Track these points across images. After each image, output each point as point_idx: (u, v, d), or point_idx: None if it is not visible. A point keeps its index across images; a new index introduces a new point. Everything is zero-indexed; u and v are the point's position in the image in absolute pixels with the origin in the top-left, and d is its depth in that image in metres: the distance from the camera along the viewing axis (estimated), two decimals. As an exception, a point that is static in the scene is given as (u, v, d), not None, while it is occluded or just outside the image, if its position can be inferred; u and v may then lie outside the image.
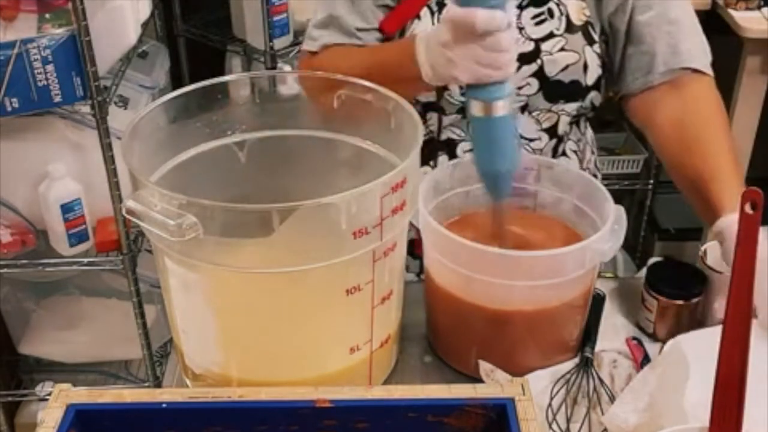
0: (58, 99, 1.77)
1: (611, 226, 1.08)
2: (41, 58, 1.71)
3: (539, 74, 1.27)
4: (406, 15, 1.28)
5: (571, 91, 1.29)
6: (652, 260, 1.26)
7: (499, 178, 1.12)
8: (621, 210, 1.11)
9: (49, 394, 0.88)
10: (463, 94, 1.26)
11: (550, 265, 1.05)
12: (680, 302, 1.17)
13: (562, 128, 1.33)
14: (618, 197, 1.15)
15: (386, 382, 1.13)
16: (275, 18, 2.26)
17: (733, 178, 1.15)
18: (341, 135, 1.16)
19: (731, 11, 2.23)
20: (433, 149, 1.35)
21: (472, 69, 1.05)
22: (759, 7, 2.24)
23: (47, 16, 1.80)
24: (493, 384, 1.01)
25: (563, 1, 1.26)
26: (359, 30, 1.30)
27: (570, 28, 1.26)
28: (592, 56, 1.28)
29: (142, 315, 2.05)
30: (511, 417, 0.85)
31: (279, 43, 2.31)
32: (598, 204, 1.14)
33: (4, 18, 1.79)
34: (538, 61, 1.26)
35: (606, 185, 1.16)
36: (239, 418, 0.87)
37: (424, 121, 1.34)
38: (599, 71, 1.29)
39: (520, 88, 1.27)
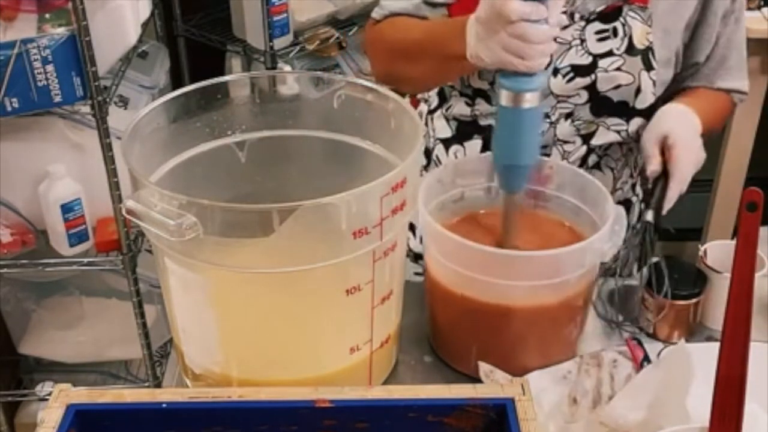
0: (58, 99, 1.77)
1: (611, 226, 1.08)
2: (41, 58, 1.71)
3: (591, 88, 1.27)
4: (474, 4, 1.27)
5: (618, 109, 1.29)
6: (652, 260, 1.26)
7: (515, 172, 1.10)
8: (621, 210, 1.11)
9: (49, 394, 0.88)
10: (492, 83, 1.27)
11: (550, 265, 1.05)
12: (680, 302, 1.17)
13: (597, 138, 1.32)
14: (618, 197, 1.15)
15: (386, 382, 1.13)
16: (275, 18, 2.26)
17: (697, 103, 1.31)
18: (341, 135, 1.16)
19: (731, 11, 2.23)
20: (470, 131, 1.36)
21: (496, 52, 1.05)
22: (759, 7, 2.24)
23: (47, 16, 1.79)
24: (493, 384, 1.01)
25: (629, 23, 1.25)
26: (426, 3, 1.30)
27: (630, 50, 1.26)
28: (647, 82, 1.27)
29: (142, 315, 2.04)
30: (511, 417, 0.85)
31: (279, 43, 2.31)
32: (598, 204, 1.14)
33: (4, 18, 1.79)
34: (592, 76, 1.26)
35: (606, 185, 1.16)
36: (239, 418, 0.87)
37: (472, 104, 1.34)
38: (652, 99, 1.29)
39: (569, 96, 1.27)
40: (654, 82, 1.28)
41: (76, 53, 1.73)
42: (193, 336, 1.07)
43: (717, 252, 1.20)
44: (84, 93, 1.78)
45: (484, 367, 1.07)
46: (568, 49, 1.25)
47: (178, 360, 1.13)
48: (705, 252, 1.20)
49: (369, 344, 1.06)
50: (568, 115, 1.29)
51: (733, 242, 0.86)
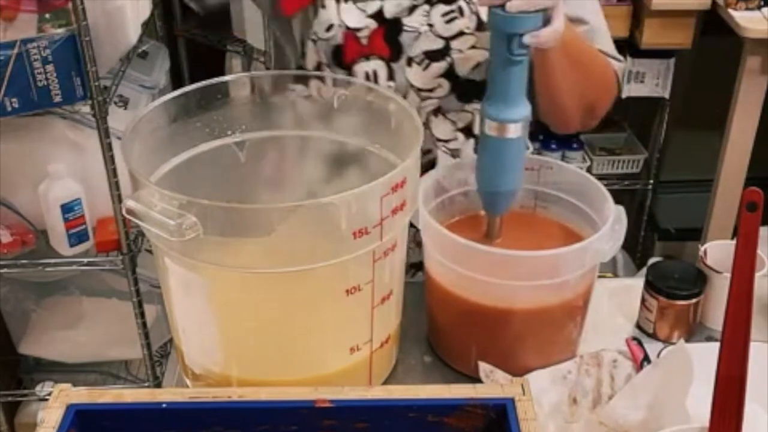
0: (58, 99, 1.77)
1: (611, 226, 1.08)
2: (41, 58, 1.71)
3: (450, 74, 1.24)
4: None
5: (484, 89, 1.25)
6: (652, 260, 1.26)
7: (499, 198, 1.12)
8: (621, 210, 1.11)
9: (49, 394, 0.88)
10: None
11: (550, 265, 1.05)
12: (680, 302, 1.17)
13: (477, 127, 1.29)
14: (618, 197, 1.15)
15: (386, 382, 1.13)
16: (275, 18, 2.25)
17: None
18: (341, 135, 1.16)
19: (731, 11, 2.23)
20: None
21: None
22: (759, 7, 2.23)
23: (47, 16, 1.79)
24: (493, 384, 1.01)
25: None
26: None
27: (481, 26, 1.22)
28: None
29: (142, 315, 2.04)
30: (511, 417, 0.85)
31: (279, 42, 2.30)
32: (598, 204, 1.14)
33: (4, 18, 1.79)
34: (448, 59, 1.23)
35: (606, 185, 1.16)
36: (239, 418, 0.87)
37: None
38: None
39: (431, 90, 1.25)
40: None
41: (76, 53, 1.73)
42: (193, 336, 1.07)
43: (717, 252, 1.20)
44: (84, 93, 1.78)
45: (484, 367, 1.07)
46: (418, 37, 1.22)
47: (178, 360, 1.13)
48: (705, 252, 1.20)
49: (369, 344, 1.05)
50: (437, 111, 1.27)
51: (733, 242, 0.86)
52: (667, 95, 2.51)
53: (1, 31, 1.78)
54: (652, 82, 2.49)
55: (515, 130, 1.06)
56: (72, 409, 0.86)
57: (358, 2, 1.21)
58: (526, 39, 1.03)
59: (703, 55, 2.46)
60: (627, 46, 2.42)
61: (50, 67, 1.73)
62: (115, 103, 2.01)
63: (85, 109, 1.85)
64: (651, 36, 2.36)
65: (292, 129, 1.18)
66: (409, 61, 1.23)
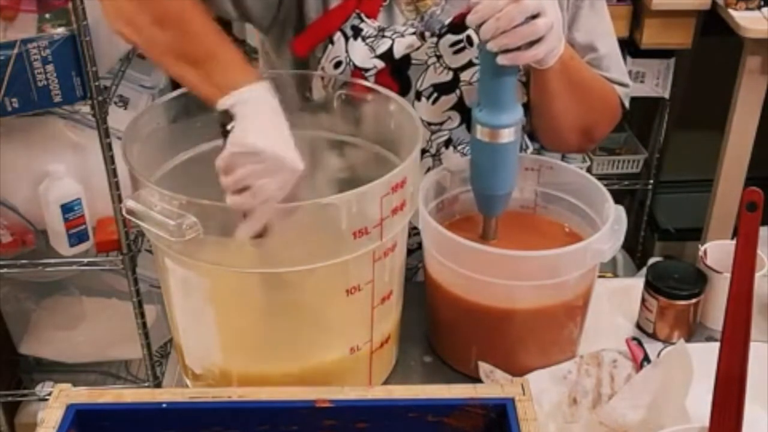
0: (58, 99, 1.77)
1: (611, 226, 1.08)
2: (41, 58, 1.71)
3: (459, 106, 1.23)
4: (318, 37, 1.22)
5: None
6: (652, 260, 1.26)
7: (494, 200, 1.12)
8: (621, 210, 1.11)
9: (49, 394, 0.88)
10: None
11: (550, 265, 1.05)
12: (680, 302, 1.17)
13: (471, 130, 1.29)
14: (618, 197, 1.15)
15: (386, 382, 1.13)
16: (275, 18, 2.25)
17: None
18: (342, 135, 1.16)
19: (731, 11, 2.23)
20: None
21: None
22: (759, 7, 2.23)
23: (47, 16, 1.79)
24: (493, 384, 1.01)
25: None
26: None
27: None
28: None
29: (142, 315, 2.04)
30: (511, 417, 0.85)
31: (279, 43, 2.30)
32: (598, 204, 1.14)
33: (4, 18, 1.79)
34: (457, 92, 1.21)
35: (606, 185, 1.16)
36: (239, 418, 0.87)
37: None
38: (524, 99, 1.23)
39: (441, 123, 1.23)
40: (523, 84, 1.22)
41: (76, 53, 1.73)
42: (193, 336, 1.07)
43: (717, 252, 1.20)
44: (84, 93, 1.78)
45: (484, 367, 1.07)
46: (426, 69, 1.20)
47: (178, 360, 1.13)
48: (705, 252, 1.21)
49: (369, 344, 1.06)
50: (447, 143, 1.25)
51: (733, 242, 0.86)
52: (667, 95, 2.51)
53: (1, 31, 1.78)
54: (652, 82, 2.49)
55: (508, 135, 1.06)
56: (72, 409, 0.86)
57: (368, 39, 1.19)
58: (500, 59, 1.01)
59: (703, 55, 2.46)
60: (627, 46, 2.42)
61: (50, 67, 1.73)
62: (115, 103, 2.00)
63: (85, 109, 1.85)
64: (651, 36, 2.36)
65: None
66: (418, 95, 1.21)
